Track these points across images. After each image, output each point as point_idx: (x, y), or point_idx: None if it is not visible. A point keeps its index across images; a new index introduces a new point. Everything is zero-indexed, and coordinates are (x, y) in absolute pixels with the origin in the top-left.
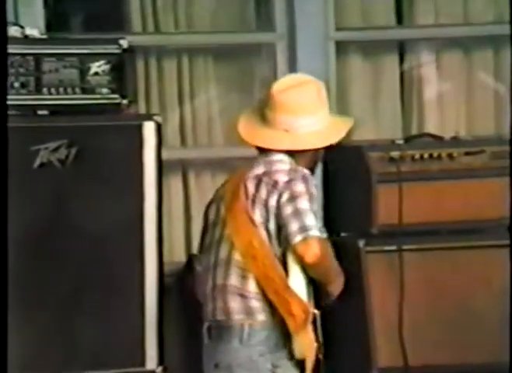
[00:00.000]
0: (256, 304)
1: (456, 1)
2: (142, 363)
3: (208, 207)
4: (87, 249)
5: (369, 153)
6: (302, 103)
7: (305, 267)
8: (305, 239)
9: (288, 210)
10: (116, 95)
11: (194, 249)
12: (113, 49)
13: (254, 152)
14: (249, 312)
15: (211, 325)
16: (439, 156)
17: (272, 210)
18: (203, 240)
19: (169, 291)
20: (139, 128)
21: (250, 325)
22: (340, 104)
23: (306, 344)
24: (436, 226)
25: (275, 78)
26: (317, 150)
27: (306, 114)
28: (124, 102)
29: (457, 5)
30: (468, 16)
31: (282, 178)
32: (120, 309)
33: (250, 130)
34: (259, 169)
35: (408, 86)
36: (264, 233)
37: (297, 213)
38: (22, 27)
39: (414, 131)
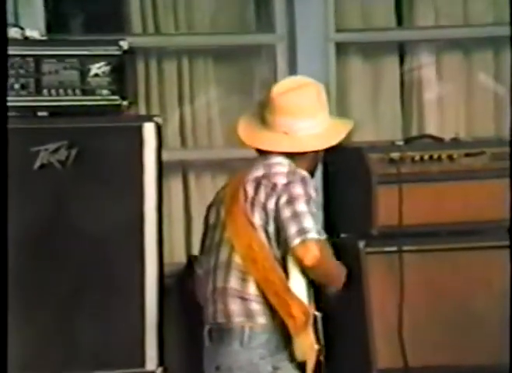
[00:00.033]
0: (256, 306)
1: (456, 2)
2: (142, 364)
3: (208, 209)
4: (87, 250)
5: (370, 154)
6: (301, 106)
7: (304, 270)
8: (303, 242)
9: (286, 212)
10: (116, 97)
11: (195, 250)
12: (113, 50)
13: (254, 153)
14: (249, 315)
15: (212, 327)
16: (439, 157)
17: (271, 213)
18: (204, 243)
19: (169, 291)
20: (139, 129)
21: (251, 327)
22: (340, 105)
23: (307, 346)
24: (436, 227)
25: (275, 79)
26: (316, 152)
27: (305, 117)
28: (125, 103)
29: (457, 6)
30: (468, 18)
31: (281, 180)
32: (121, 310)
33: (250, 133)
34: (258, 172)
35: (408, 87)
36: (263, 236)
37: (295, 215)
38: (22, 28)
39: (414, 133)
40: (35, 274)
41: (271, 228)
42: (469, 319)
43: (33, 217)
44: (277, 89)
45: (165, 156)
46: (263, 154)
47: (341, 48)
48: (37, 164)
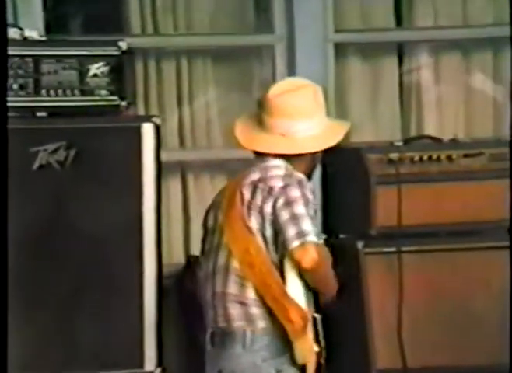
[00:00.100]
0: (256, 311)
1: (455, 3)
2: (141, 364)
3: (206, 213)
4: (86, 250)
5: (368, 155)
6: (298, 107)
7: (302, 273)
8: (302, 244)
9: (284, 215)
10: (115, 97)
11: (193, 250)
12: (112, 51)
13: (252, 154)
14: (249, 319)
15: (213, 332)
16: (438, 158)
17: (268, 217)
18: (204, 245)
19: (168, 292)
20: (138, 130)
21: (253, 331)
22: (339, 106)
23: (306, 350)
24: (435, 228)
25: (273, 80)
26: (314, 154)
27: (302, 118)
28: (123, 103)
29: (457, 6)
30: (467, 18)
31: (277, 184)
32: (120, 310)
33: (247, 135)
34: (255, 175)
35: (407, 88)
36: (260, 240)
37: (294, 218)
38: (21, 29)
39: (413, 133)
40: (34, 274)
41: (268, 232)
42: (468, 320)
43: (32, 217)
44: (273, 91)
45: (163, 156)
46: (260, 156)
47: (340, 49)
48: (36, 164)
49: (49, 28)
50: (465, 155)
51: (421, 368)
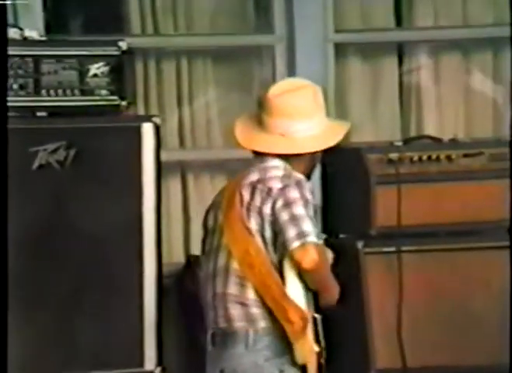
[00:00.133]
0: (256, 311)
1: (455, 3)
2: (141, 363)
3: (206, 213)
4: (86, 250)
5: (368, 155)
6: (298, 107)
7: (302, 273)
8: (303, 245)
9: (284, 216)
10: (115, 97)
11: (193, 250)
12: (112, 51)
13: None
14: (250, 319)
15: (215, 332)
16: (437, 158)
17: (267, 218)
18: (204, 246)
19: (167, 291)
20: (138, 130)
21: (255, 331)
22: (339, 106)
23: (306, 351)
24: (435, 228)
25: (273, 80)
26: (313, 154)
27: (302, 118)
28: (123, 103)
29: (456, 7)
30: (467, 18)
31: (276, 185)
32: (120, 310)
33: (246, 135)
34: (254, 176)
35: (406, 88)
36: (260, 241)
37: (294, 219)
38: (21, 29)
39: (413, 133)
40: (34, 274)
41: (268, 233)
42: (468, 319)
43: (32, 217)
44: (273, 91)
45: (163, 156)
46: (259, 156)
47: (341, 49)
48: (36, 164)
49: (49, 28)
50: (465, 155)
51: (421, 368)
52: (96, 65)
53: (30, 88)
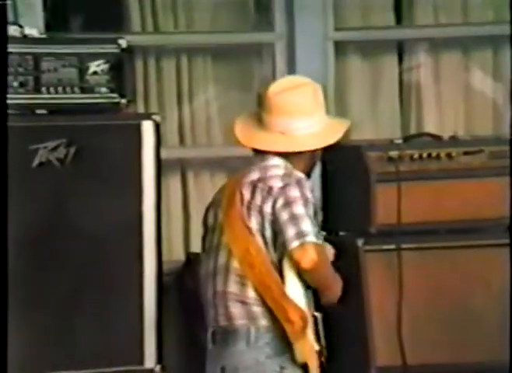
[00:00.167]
0: (257, 309)
1: (455, 1)
2: (141, 361)
3: (206, 211)
4: (86, 248)
5: (368, 153)
6: (298, 105)
7: (301, 273)
8: (302, 245)
9: (284, 216)
10: (115, 95)
11: (193, 247)
12: (112, 48)
13: (252, 152)
14: (251, 317)
15: (215, 330)
16: (437, 156)
17: (268, 217)
18: (204, 244)
19: (167, 289)
20: (138, 127)
21: (257, 328)
22: (339, 104)
23: (307, 350)
24: (435, 225)
25: (273, 78)
26: (313, 152)
27: (302, 116)
28: (123, 101)
29: (456, 4)
30: (467, 16)
31: (277, 184)
32: (119, 308)
33: (246, 133)
34: (254, 175)
35: (406, 86)
36: (260, 240)
37: (293, 218)
38: (21, 26)
39: (413, 131)
40: (34, 272)
41: (268, 232)
42: (468, 317)
43: (32, 214)
44: (273, 89)
45: (163, 154)
46: (260, 154)
47: (340, 47)
48: (36, 162)
49: (49, 26)
50: (465, 153)
51: (421, 366)
52: (96, 63)
53: (30, 86)
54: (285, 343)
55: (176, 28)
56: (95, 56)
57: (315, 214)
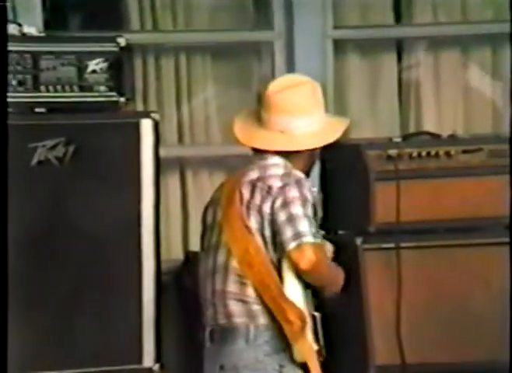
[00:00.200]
0: (257, 307)
1: None
2: (140, 360)
3: (205, 210)
4: (84, 246)
5: (367, 151)
6: (297, 104)
7: (300, 274)
8: (299, 246)
9: (282, 216)
10: (114, 93)
11: (192, 246)
12: (110, 47)
13: (250, 151)
14: (251, 315)
15: (213, 329)
16: (436, 154)
17: (267, 217)
18: (203, 242)
19: (166, 288)
20: (137, 126)
21: (256, 326)
22: (338, 102)
23: (306, 350)
24: (434, 224)
25: (272, 76)
26: (313, 151)
27: (301, 115)
28: (122, 100)
29: (456, 3)
30: (467, 14)
31: (276, 183)
32: (118, 306)
33: (245, 132)
34: (253, 174)
35: (405, 84)
36: (260, 240)
37: (291, 219)
38: (19, 25)
39: (412, 129)
40: (33, 270)
41: (267, 232)
42: (467, 316)
43: (31, 213)
44: (272, 88)
45: (162, 153)
46: (259, 152)
47: (339, 45)
48: (35, 160)
49: (48, 24)
50: (464, 151)
51: (419, 364)
52: (95, 61)
53: (29, 85)
54: (284, 342)
55: (175, 26)
56: (94, 54)
57: (315, 213)
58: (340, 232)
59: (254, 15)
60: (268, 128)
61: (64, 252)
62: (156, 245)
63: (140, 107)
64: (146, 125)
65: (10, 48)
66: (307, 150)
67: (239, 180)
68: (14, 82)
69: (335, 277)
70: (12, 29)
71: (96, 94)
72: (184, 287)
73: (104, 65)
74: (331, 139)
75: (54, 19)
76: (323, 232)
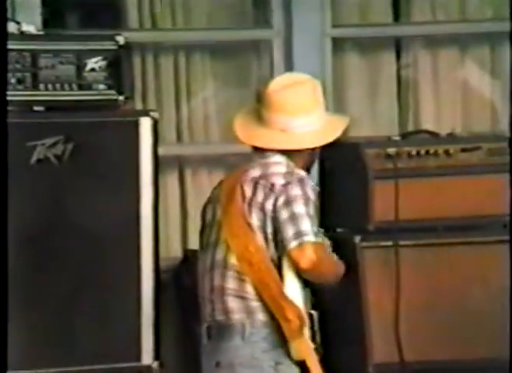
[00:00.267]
0: (256, 304)
1: None
2: (138, 358)
3: (204, 207)
4: (83, 244)
5: (366, 149)
6: (297, 103)
7: (300, 273)
8: (300, 245)
9: (284, 214)
10: (112, 92)
11: (191, 244)
12: (109, 45)
13: (250, 149)
14: (249, 311)
15: (210, 325)
16: (435, 153)
17: (269, 214)
18: (202, 239)
19: (165, 286)
20: (136, 124)
21: (252, 323)
22: (336, 101)
23: (304, 349)
24: (433, 222)
25: (271, 75)
26: (313, 149)
27: (301, 114)
28: (121, 98)
29: (454, 1)
30: (465, 13)
31: (279, 181)
32: (117, 304)
33: (246, 131)
34: (255, 172)
35: (404, 83)
36: (261, 237)
37: (293, 218)
38: (18, 23)
39: (410, 128)
40: (33, 268)
41: (269, 229)
42: (466, 314)
43: (30, 211)
44: (273, 86)
45: (161, 151)
46: (259, 151)
47: (338, 43)
48: (34, 159)
49: (47, 22)
50: (463, 150)
51: (418, 362)
52: (94, 60)
53: (28, 83)
54: (281, 338)
55: (174, 25)
56: (93, 53)
57: (315, 212)
58: (339, 230)
59: (252, 13)
60: (269, 127)
61: (62, 250)
62: (154, 243)
63: (139, 106)
64: (145, 123)
65: (9, 46)
66: (308, 148)
67: (240, 178)
68: (13, 81)
69: (336, 273)
70: (11, 27)
71: (94, 92)
72: (182, 285)
73: (103, 64)
74: (331, 138)
75: (53, 17)
76: (322, 230)
